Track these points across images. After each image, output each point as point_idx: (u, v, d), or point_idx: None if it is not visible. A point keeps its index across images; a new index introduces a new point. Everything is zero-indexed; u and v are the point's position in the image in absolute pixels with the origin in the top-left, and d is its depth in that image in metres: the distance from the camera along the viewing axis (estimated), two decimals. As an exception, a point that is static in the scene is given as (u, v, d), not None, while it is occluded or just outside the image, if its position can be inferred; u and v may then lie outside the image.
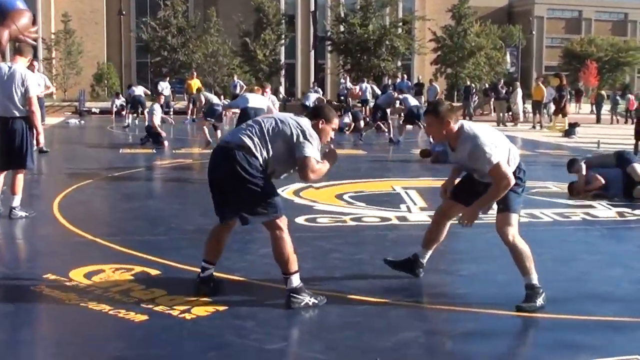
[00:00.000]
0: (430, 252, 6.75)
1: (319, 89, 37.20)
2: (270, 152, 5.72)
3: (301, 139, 5.72)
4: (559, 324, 5.63)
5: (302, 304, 5.79)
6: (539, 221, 9.62)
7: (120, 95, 37.82)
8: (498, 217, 5.96)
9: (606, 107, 40.09)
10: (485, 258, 7.57)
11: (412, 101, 21.99)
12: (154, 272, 6.74)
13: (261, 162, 5.70)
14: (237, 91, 35.76)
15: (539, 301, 5.80)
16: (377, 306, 5.93)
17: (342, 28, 49.87)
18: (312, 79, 52.39)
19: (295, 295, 5.79)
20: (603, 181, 11.45)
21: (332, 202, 10.95)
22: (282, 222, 5.85)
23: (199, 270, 6.24)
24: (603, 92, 46.45)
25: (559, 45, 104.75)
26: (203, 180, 13.21)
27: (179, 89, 42.52)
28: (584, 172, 11.70)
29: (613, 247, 8.59)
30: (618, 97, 41.96)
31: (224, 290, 6.19)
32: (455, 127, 5.94)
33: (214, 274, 6.24)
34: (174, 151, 18.64)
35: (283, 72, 55.86)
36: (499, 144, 5.85)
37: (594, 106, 40.33)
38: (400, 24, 51.17)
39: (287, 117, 5.90)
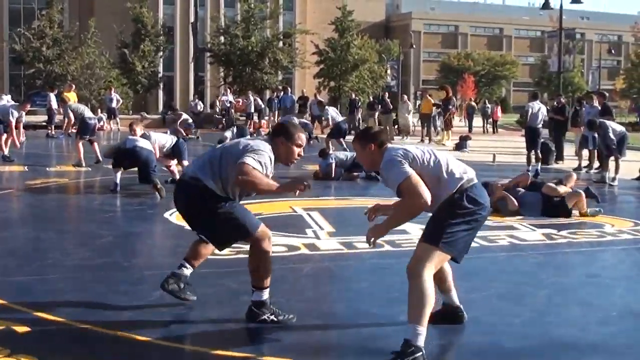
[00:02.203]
0: (453, 291, 5.57)
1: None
2: (223, 176, 5.52)
3: (246, 153, 5.39)
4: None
5: (261, 319, 5.60)
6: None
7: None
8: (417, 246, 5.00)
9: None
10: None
11: (338, 116, 22.08)
12: (21, 328, 5.36)
13: (217, 189, 5.54)
14: (113, 105, 34.24)
15: None
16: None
17: (222, 39, 48.84)
18: (192, 91, 51.18)
19: (257, 309, 5.63)
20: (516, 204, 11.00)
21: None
22: (261, 236, 5.62)
23: (83, 325, 5.27)
24: (473, 104, 47.60)
25: (435, 60, 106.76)
26: (81, 203, 12.20)
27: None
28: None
29: (558, 277, 7.62)
30: (488, 108, 44.10)
31: (108, 353, 4.93)
32: (382, 152, 5.09)
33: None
34: (47, 169, 16.92)
35: (162, 84, 54.45)
36: (416, 159, 4.93)
37: (465, 118, 41.35)
38: (282, 37, 50.49)
39: (241, 140, 5.71)
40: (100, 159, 17.12)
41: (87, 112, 18.09)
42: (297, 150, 5.63)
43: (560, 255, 8.89)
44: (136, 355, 5.03)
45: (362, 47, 54.95)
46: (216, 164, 5.56)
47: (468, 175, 5.01)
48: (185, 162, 12.96)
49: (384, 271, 7.61)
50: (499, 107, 45.39)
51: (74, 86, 33.32)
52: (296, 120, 21.63)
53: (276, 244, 8.56)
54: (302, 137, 5.68)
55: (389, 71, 59.77)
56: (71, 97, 31.01)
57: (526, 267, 8.11)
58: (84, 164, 16.99)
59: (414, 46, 76.28)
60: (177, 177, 12.39)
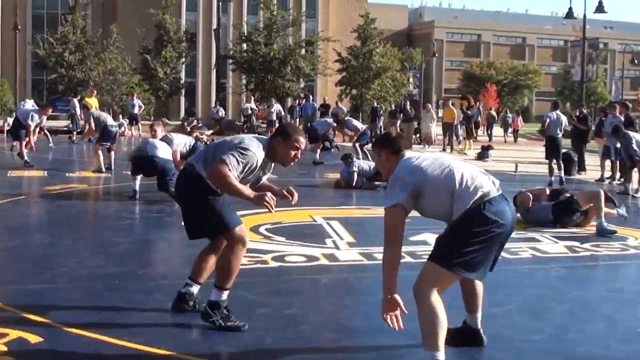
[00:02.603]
0: (479, 313, 5.38)
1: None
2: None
3: (233, 150, 5.47)
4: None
5: (211, 320, 5.61)
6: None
7: (15, 114, 35.76)
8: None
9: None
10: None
11: (359, 124, 22.29)
12: (34, 338, 5.27)
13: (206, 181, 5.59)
14: (136, 111, 34.23)
15: None
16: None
17: (245, 46, 48.84)
18: (214, 98, 51.21)
19: (210, 310, 5.65)
20: None
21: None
22: (238, 236, 5.67)
23: (97, 335, 5.19)
24: (493, 112, 47.35)
25: (458, 68, 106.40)
26: (97, 210, 12.12)
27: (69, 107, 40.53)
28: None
29: (580, 292, 7.43)
30: (508, 118, 43.83)
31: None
32: (397, 159, 4.92)
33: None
34: (67, 175, 16.87)
35: (183, 91, 54.50)
36: (418, 180, 4.69)
37: (485, 127, 41.07)
38: (305, 44, 50.44)
39: (240, 135, 5.90)
40: (112, 167, 17.19)
41: (109, 120, 18.02)
42: (293, 152, 5.62)
43: (583, 269, 8.71)
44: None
45: (384, 55, 54.80)
46: (210, 154, 5.65)
47: (484, 189, 4.70)
48: None
49: (403, 284, 7.42)
50: (520, 117, 45.43)
51: (95, 92, 33.43)
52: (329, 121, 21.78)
53: (295, 253, 8.56)
54: (300, 140, 5.65)
55: (411, 79, 59.58)
56: (93, 102, 31.11)
57: (548, 280, 7.97)
58: (104, 169, 16.97)
59: (436, 55, 75.94)
60: None
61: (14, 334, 5.35)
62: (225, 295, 5.68)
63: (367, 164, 16.03)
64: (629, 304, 7.00)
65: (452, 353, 5.09)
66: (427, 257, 4.81)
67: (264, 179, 5.99)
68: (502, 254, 8.37)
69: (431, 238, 9.08)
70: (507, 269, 8.01)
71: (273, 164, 5.92)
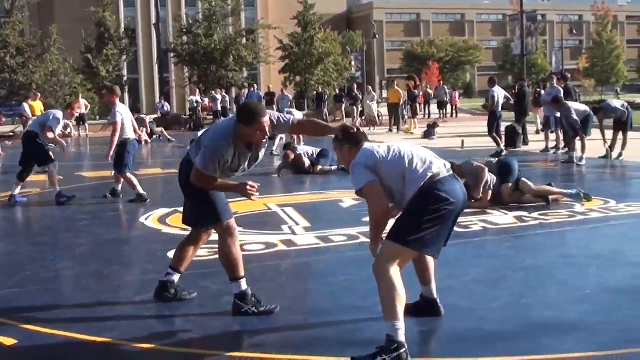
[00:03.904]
0: (433, 284, 5.64)
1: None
2: None
3: (202, 151, 5.65)
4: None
5: (243, 310, 5.83)
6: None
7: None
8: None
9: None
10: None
11: (297, 113, 22.05)
12: (8, 341, 5.40)
13: None
14: (82, 111, 33.95)
15: (382, 358, 4.61)
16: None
17: (185, 39, 48.71)
18: (158, 93, 51.01)
19: (240, 301, 5.88)
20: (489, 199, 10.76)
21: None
22: (228, 228, 5.94)
23: (69, 333, 5.34)
24: (430, 91, 47.81)
25: (399, 48, 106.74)
26: (54, 213, 12.11)
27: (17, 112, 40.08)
28: (486, 171, 10.85)
29: (533, 259, 7.71)
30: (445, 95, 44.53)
31: (99, 358, 5.00)
32: (357, 150, 5.17)
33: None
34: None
35: (127, 88, 54.17)
36: (374, 163, 4.95)
37: (423, 105, 41.82)
38: (245, 33, 50.44)
39: (217, 124, 6.15)
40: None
41: None
42: (259, 132, 5.59)
43: (533, 237, 8.99)
44: (123, 361, 5.07)
45: (325, 40, 54.96)
46: (199, 146, 5.81)
47: (434, 170, 4.94)
48: None
49: (361, 263, 7.66)
50: (457, 93, 46.95)
51: (39, 95, 33.12)
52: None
53: (253, 242, 8.71)
54: (264, 120, 5.56)
55: (353, 63, 59.82)
56: (37, 106, 30.87)
57: (501, 250, 8.25)
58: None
59: (377, 36, 76.20)
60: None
61: (-12, 338, 5.46)
62: (244, 284, 5.95)
63: (310, 148, 16.33)
64: (579, 268, 7.28)
65: (413, 324, 5.35)
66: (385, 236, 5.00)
67: (261, 153, 6.01)
68: (454, 228, 8.72)
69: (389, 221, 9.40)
70: (460, 242, 8.29)
71: (259, 146, 5.87)
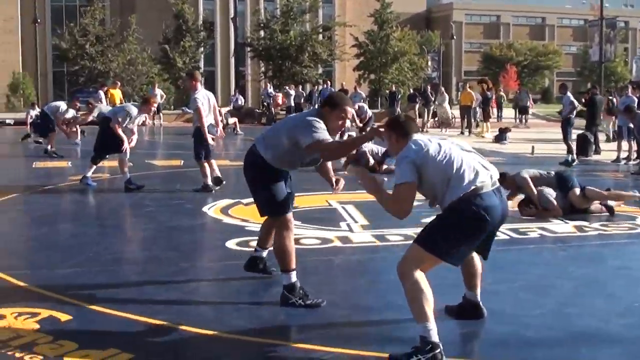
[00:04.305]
0: (478, 290, 5.69)
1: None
2: (275, 149, 6.02)
3: (303, 129, 5.81)
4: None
5: (290, 302, 5.99)
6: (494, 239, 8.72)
7: (36, 106, 36.23)
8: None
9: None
10: (448, 287, 6.63)
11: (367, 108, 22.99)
12: (64, 317, 5.65)
13: (266, 161, 6.06)
14: (158, 100, 34.54)
15: (417, 358, 4.67)
16: (334, 357, 4.97)
17: (262, 34, 49.11)
18: (233, 86, 51.49)
19: (288, 293, 6.04)
20: (560, 211, 10.53)
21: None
22: (284, 221, 6.14)
23: (123, 313, 5.64)
24: (502, 94, 47.45)
25: (477, 50, 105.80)
26: (121, 199, 12.44)
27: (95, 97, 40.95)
28: (531, 184, 10.79)
29: (586, 269, 7.70)
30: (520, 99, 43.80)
31: (146, 340, 5.21)
32: (406, 141, 5.15)
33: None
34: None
35: (203, 79, 54.61)
36: (422, 160, 4.94)
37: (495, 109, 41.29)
38: (321, 30, 50.65)
39: (289, 117, 6.43)
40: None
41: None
42: (339, 121, 5.95)
43: (590, 248, 8.91)
44: (173, 342, 5.25)
45: (402, 39, 54.84)
46: (269, 136, 6.14)
47: (478, 182, 4.91)
48: None
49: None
50: (530, 98, 45.52)
51: (119, 83, 33.82)
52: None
53: (310, 236, 8.84)
54: (347, 109, 5.96)
55: (429, 63, 59.58)
56: (116, 94, 31.62)
57: (554, 259, 8.20)
58: None
59: (455, 37, 75.74)
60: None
61: (45, 312, 5.72)
62: (293, 276, 6.10)
63: (377, 147, 16.42)
64: (632, 280, 7.21)
65: (455, 325, 5.46)
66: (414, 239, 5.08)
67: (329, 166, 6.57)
68: (511, 234, 8.77)
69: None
70: (515, 249, 8.33)
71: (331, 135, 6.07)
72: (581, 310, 6.08)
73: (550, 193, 10.62)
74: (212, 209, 10.89)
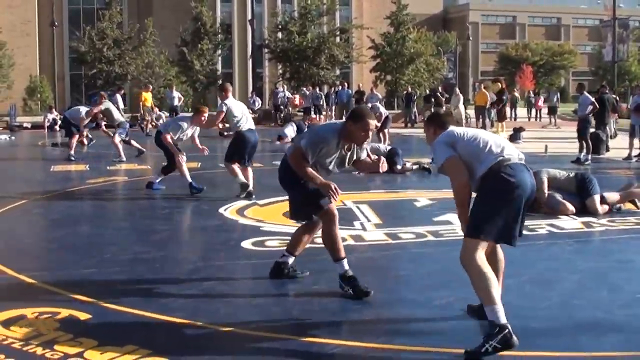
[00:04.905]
0: (501, 285, 5.66)
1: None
2: None
3: (306, 135, 6.40)
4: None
5: (343, 289, 6.34)
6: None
7: (54, 110, 36.63)
8: None
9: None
10: (457, 282, 6.80)
11: (382, 109, 22.58)
12: (83, 315, 5.83)
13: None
14: (175, 103, 34.76)
15: (490, 345, 4.81)
16: (345, 350, 5.14)
17: (280, 36, 49.29)
18: (250, 88, 51.72)
19: (341, 281, 6.39)
20: (572, 209, 10.60)
21: (279, 221, 10.13)
22: (328, 214, 6.41)
23: (140, 311, 5.84)
24: (516, 94, 48.00)
25: (494, 51, 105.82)
26: (137, 201, 12.65)
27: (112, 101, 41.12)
28: (545, 187, 10.86)
29: (591, 263, 7.88)
30: (532, 98, 45.73)
31: (162, 337, 5.39)
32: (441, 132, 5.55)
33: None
34: (108, 168, 17.51)
35: (220, 82, 54.89)
36: (452, 141, 5.30)
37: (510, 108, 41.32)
38: (339, 32, 50.80)
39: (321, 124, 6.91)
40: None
41: (117, 114, 19.79)
42: (362, 133, 6.20)
43: (596, 242, 9.15)
44: (189, 338, 5.42)
45: (418, 40, 54.94)
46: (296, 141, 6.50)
47: (505, 154, 5.17)
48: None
49: (423, 260, 7.97)
50: (541, 98, 46.42)
51: (151, 87, 34.11)
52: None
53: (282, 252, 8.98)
54: (369, 122, 6.19)
55: (445, 63, 59.62)
56: (148, 97, 32.02)
57: (562, 254, 8.35)
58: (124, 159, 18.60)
59: (471, 38, 75.71)
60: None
61: (65, 312, 5.90)
62: (345, 264, 6.44)
63: (380, 145, 16.55)
64: (636, 274, 7.42)
65: (460, 316, 5.62)
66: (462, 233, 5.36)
67: (363, 155, 6.70)
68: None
69: (454, 218, 9.65)
70: (523, 244, 8.38)
71: (358, 146, 6.51)
72: (586, 302, 6.26)
73: (558, 197, 10.69)
74: (228, 210, 11.05)
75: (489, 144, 5.23)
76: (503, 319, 4.88)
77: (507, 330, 4.84)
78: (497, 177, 5.08)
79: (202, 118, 12.93)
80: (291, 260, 6.96)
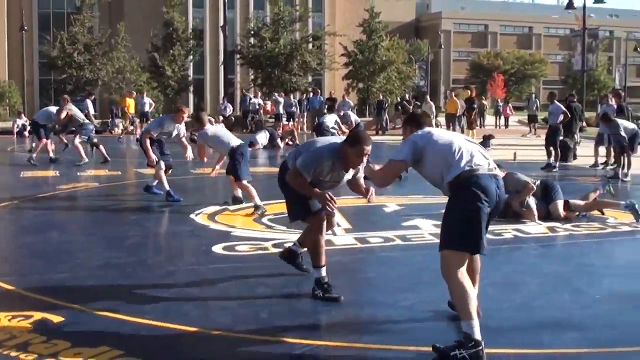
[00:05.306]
0: (477, 286, 5.84)
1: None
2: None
3: (303, 154, 6.49)
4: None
5: (315, 293, 6.50)
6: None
7: (23, 115, 36.41)
8: None
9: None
10: (424, 285, 7.01)
11: (354, 116, 23.11)
12: (56, 319, 5.92)
13: None
14: (146, 109, 34.67)
15: (460, 353, 4.92)
16: (314, 349, 5.29)
17: (252, 42, 49.30)
18: (222, 94, 51.69)
19: (315, 285, 6.55)
20: (536, 215, 10.76)
21: (250, 226, 10.29)
22: (316, 221, 6.68)
23: (112, 314, 5.97)
24: (484, 102, 48.35)
25: (466, 59, 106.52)
26: (108, 207, 12.70)
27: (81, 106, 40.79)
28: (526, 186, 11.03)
29: (554, 267, 8.10)
30: (500, 106, 46.31)
31: (135, 338, 5.50)
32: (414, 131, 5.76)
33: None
34: (79, 174, 17.46)
35: (192, 88, 54.92)
36: (425, 142, 5.43)
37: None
38: (311, 39, 50.94)
39: (317, 139, 7.10)
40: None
41: (80, 115, 19.91)
42: (358, 158, 6.28)
43: (560, 247, 9.44)
44: (160, 339, 5.53)
45: (390, 48, 55.23)
46: (297, 153, 6.67)
47: (473, 164, 5.24)
48: None
49: (391, 263, 8.15)
50: (510, 105, 47.77)
51: (134, 92, 34.03)
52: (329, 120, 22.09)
53: (292, 240, 9.08)
54: (365, 148, 6.22)
55: (417, 71, 59.96)
56: (131, 103, 31.95)
57: (526, 258, 8.61)
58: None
59: (442, 46, 76.28)
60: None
61: (38, 315, 5.98)
62: (322, 271, 6.59)
63: None
64: (596, 276, 7.64)
65: (424, 316, 5.82)
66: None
67: (357, 176, 6.87)
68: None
69: (422, 223, 9.87)
70: (488, 249, 8.60)
71: (353, 169, 6.65)
72: (545, 304, 6.49)
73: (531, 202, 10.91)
74: (200, 216, 11.13)
75: (460, 150, 5.30)
76: (478, 335, 4.99)
77: (480, 347, 4.95)
78: (465, 188, 5.19)
79: (183, 117, 12.90)
80: (301, 250, 7.29)
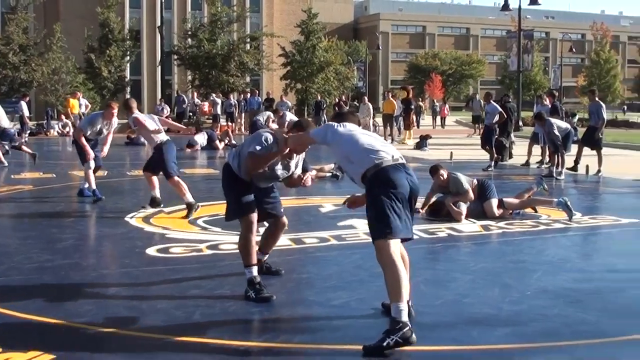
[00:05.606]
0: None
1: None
2: (241, 162, 6.68)
3: (255, 144, 6.53)
4: (442, 356, 5.24)
5: (247, 294, 6.53)
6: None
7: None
8: None
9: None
10: (357, 283, 7.08)
11: (291, 116, 22.74)
12: (-14, 323, 5.85)
13: (237, 171, 6.74)
14: (82, 110, 34.33)
15: (391, 339, 5.04)
16: (246, 350, 5.30)
17: (189, 42, 49.05)
18: (159, 95, 51.36)
19: (247, 286, 6.60)
20: (463, 216, 10.88)
21: (185, 228, 10.26)
22: (247, 222, 6.75)
23: (45, 318, 5.92)
24: (421, 103, 49.58)
25: (404, 60, 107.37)
26: (43, 210, 12.52)
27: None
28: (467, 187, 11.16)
29: (486, 263, 8.21)
30: (436, 107, 48.39)
31: (67, 342, 5.45)
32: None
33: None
34: (12, 176, 17.18)
35: (128, 89, 54.42)
36: (326, 135, 5.83)
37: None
38: (249, 39, 50.84)
39: (260, 131, 6.83)
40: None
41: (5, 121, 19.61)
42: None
43: (492, 244, 9.59)
44: (92, 342, 5.49)
45: (328, 49, 55.39)
46: (239, 152, 6.76)
47: (378, 158, 5.47)
48: None
49: (325, 263, 8.20)
50: (447, 106, 49.33)
51: (78, 93, 33.58)
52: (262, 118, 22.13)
53: (229, 242, 9.10)
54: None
55: (355, 72, 60.21)
56: (75, 104, 31.44)
57: (458, 255, 8.79)
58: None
59: (380, 48, 76.71)
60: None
61: (-32, 319, 5.90)
62: (254, 271, 6.70)
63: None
64: (526, 272, 7.78)
65: (356, 314, 5.86)
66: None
67: (298, 171, 7.09)
68: (420, 233, 9.20)
69: (357, 223, 9.91)
70: (422, 247, 8.77)
71: (299, 156, 6.93)
72: (477, 300, 6.60)
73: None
74: (134, 218, 11.07)
75: (363, 145, 5.57)
76: (405, 317, 5.12)
77: (408, 327, 5.07)
78: (377, 181, 5.43)
79: (113, 112, 12.85)
80: (264, 257, 7.46)
